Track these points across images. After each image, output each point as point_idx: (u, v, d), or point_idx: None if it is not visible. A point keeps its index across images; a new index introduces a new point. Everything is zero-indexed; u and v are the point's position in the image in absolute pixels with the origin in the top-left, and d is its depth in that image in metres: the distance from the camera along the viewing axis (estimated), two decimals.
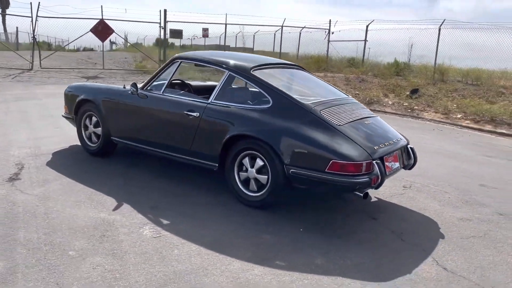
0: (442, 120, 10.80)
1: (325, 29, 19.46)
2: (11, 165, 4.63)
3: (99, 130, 4.97)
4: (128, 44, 22.57)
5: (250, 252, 3.09)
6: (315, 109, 3.73)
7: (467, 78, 15.18)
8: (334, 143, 3.45)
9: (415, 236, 3.57)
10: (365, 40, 17.40)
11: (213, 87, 5.07)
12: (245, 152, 3.83)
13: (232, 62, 4.22)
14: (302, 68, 4.96)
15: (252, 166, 3.81)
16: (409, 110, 11.84)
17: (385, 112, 11.16)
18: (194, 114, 4.06)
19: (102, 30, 15.78)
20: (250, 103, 4.03)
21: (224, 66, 4.22)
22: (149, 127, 4.46)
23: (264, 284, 2.69)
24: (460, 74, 15.51)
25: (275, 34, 23.70)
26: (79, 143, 5.56)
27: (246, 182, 3.91)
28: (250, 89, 4.34)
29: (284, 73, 4.54)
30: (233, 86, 4.60)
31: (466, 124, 10.51)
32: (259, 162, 3.75)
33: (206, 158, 4.07)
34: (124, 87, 4.81)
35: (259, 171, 3.77)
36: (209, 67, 4.46)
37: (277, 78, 4.22)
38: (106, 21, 15.93)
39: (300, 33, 21.43)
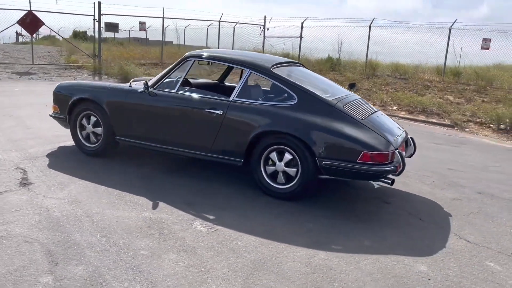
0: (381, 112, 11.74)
1: (260, 24, 19.90)
2: (11, 170, 4.39)
3: (99, 130, 4.86)
4: (38, 37, 21.10)
5: (304, 239, 3.34)
6: (338, 105, 4.05)
7: (395, 73, 16.54)
8: (363, 136, 3.80)
9: (428, 215, 4.06)
10: (301, 37, 18.10)
11: (216, 85, 5.22)
12: (272, 147, 4.04)
13: (253, 61, 4.39)
14: (303, 66, 5.25)
15: (280, 160, 4.03)
16: None
17: None
18: (217, 111, 4.18)
19: (31, 22, 14.72)
20: (275, 100, 4.24)
21: (245, 65, 4.37)
22: (164, 126, 4.47)
23: (335, 266, 2.96)
24: (389, 69, 16.85)
25: (207, 29, 23.71)
26: (66, 144, 5.39)
27: (272, 175, 4.12)
28: (274, 86, 4.50)
29: (295, 70, 4.79)
30: (254, 84, 4.76)
31: (402, 115, 11.49)
32: (288, 156, 3.99)
33: (230, 154, 4.21)
34: (130, 86, 4.75)
35: (287, 164, 4.01)
36: (227, 65, 4.57)
37: (293, 76, 4.46)
38: (35, 13, 14.88)
39: (234, 28, 21.66)
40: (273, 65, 4.36)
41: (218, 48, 19.88)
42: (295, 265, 2.93)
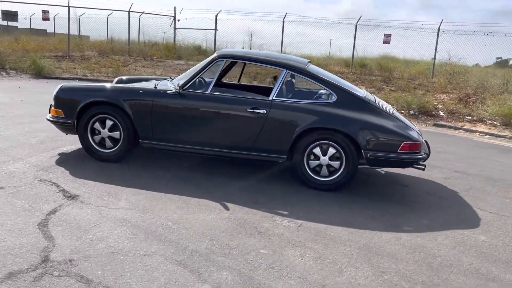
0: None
1: (170, 15, 19.49)
2: (38, 183, 4.01)
3: (117, 134, 4.64)
4: None
5: (377, 224, 3.73)
6: (370, 101, 4.49)
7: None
8: (399, 128, 4.30)
9: (443, 193, 4.74)
10: (215, 29, 18.20)
11: (238, 85, 5.32)
12: (316, 143, 4.33)
13: (287, 61, 4.59)
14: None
15: (324, 155, 4.34)
16: None
17: None
18: (260, 111, 4.32)
19: None
20: (315, 98, 4.51)
21: (282, 65, 4.55)
22: (200, 127, 4.46)
23: (424, 244, 3.41)
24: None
25: (107, 18, 22.45)
26: (62, 150, 5.03)
27: (314, 169, 4.41)
28: (312, 85, 4.74)
29: (316, 68, 5.07)
30: (291, 84, 4.92)
31: None
32: (332, 150, 4.32)
33: (273, 151, 4.40)
34: (155, 87, 4.61)
35: (331, 158, 4.34)
36: (261, 66, 4.68)
37: (321, 74, 4.75)
38: None
39: (139, 19, 20.86)
40: (305, 65, 4.62)
41: (129, 40, 19.03)
42: (396, 248, 3.30)
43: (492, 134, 9.85)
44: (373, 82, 15.07)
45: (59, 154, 4.91)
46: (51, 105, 5.09)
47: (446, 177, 5.41)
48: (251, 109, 4.34)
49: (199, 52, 19.04)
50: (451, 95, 13.40)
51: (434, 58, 15.70)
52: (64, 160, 4.73)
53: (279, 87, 4.47)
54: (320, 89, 4.54)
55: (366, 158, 4.24)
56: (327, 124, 4.26)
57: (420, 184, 5.04)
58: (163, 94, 4.49)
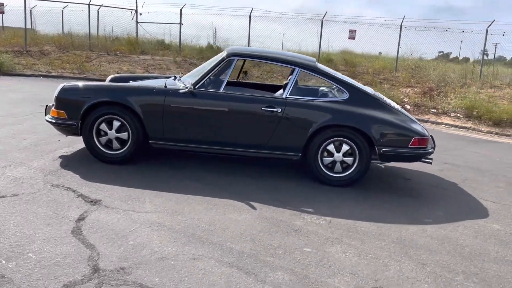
0: None
1: (131, 9, 18.96)
2: (52, 189, 3.84)
3: (124, 135, 4.51)
4: None
5: (398, 216, 3.87)
6: (380, 98, 4.62)
7: None
8: (409, 124, 4.47)
9: (444, 185, 4.97)
10: (180, 23, 17.89)
11: (240, 83, 5.30)
12: (330, 140, 4.41)
13: (298, 60, 4.63)
14: None
15: (338, 151, 4.43)
16: None
17: None
18: (275, 109, 4.35)
19: None
20: (328, 96, 4.58)
21: (295, 64, 4.58)
22: (213, 126, 4.42)
23: (445, 234, 3.57)
24: None
25: (62, 11, 21.51)
26: (62, 153, 4.85)
27: (327, 166, 4.49)
28: (324, 82, 4.80)
29: (324, 67, 5.12)
30: (303, 82, 4.95)
31: None
32: (346, 147, 4.42)
33: (288, 149, 4.44)
34: (166, 86, 4.51)
35: (344, 154, 4.44)
36: (273, 64, 4.68)
37: (332, 72, 4.83)
38: None
39: (98, 12, 20.12)
40: (315, 63, 4.68)
41: (89, 34, 18.32)
42: (426, 240, 3.45)
43: (456, 126, 10.42)
44: None
45: (60, 157, 4.70)
46: (47, 105, 4.87)
47: (440, 169, 5.67)
48: (266, 107, 4.35)
49: (162, 47, 18.66)
50: (415, 89, 13.97)
51: (398, 53, 16.27)
52: (68, 163, 4.53)
53: (292, 85, 4.50)
54: (332, 87, 4.62)
55: (379, 153, 4.37)
56: (342, 121, 4.35)
57: (421, 177, 5.26)
58: (175, 93, 4.41)
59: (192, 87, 4.35)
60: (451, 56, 24.85)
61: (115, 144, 4.52)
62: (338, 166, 4.47)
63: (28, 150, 4.84)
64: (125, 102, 4.37)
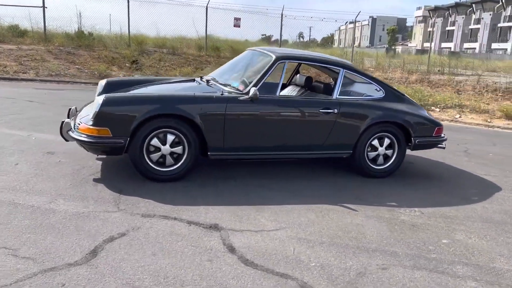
0: None
1: None
2: (143, 221, 3.40)
3: (179, 149, 4.14)
4: None
5: (450, 198, 4.44)
6: (404, 94, 5.13)
7: (162, 48, 16.88)
8: (431, 115, 5.09)
9: (445, 170, 5.68)
10: (44, 6, 15.63)
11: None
12: (377, 135, 4.75)
13: (341, 62, 4.81)
14: None
15: (381, 145, 4.81)
16: None
17: None
18: (332, 111, 4.49)
19: None
20: (369, 95, 4.87)
21: (339, 65, 4.73)
22: (276, 132, 4.35)
23: (498, 209, 4.26)
24: (156, 43, 17.09)
25: None
26: (94, 175, 4.25)
27: (372, 159, 4.82)
28: (363, 82, 4.98)
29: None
30: (348, 82, 5.02)
31: None
32: (387, 141, 4.82)
33: (341, 148, 4.64)
34: (222, 94, 4.25)
35: (386, 147, 4.84)
36: (319, 66, 4.74)
37: (366, 71, 5.11)
38: None
39: None
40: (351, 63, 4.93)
41: None
42: (499, 216, 4.05)
43: None
44: None
45: (108, 187, 4.01)
46: (62, 122, 4.15)
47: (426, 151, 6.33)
48: (323, 109, 4.46)
49: (18, 33, 16.20)
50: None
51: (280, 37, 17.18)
52: (123, 187, 3.96)
53: (340, 86, 4.67)
54: (370, 85, 4.91)
55: (414, 144, 4.87)
56: (388, 117, 4.69)
57: (419, 161, 5.92)
58: (235, 100, 4.19)
59: (254, 93, 4.18)
60: (272, 39, 27.02)
61: (169, 160, 4.10)
62: (381, 159, 4.83)
63: (65, 178, 4.03)
64: (183, 113, 3.99)
